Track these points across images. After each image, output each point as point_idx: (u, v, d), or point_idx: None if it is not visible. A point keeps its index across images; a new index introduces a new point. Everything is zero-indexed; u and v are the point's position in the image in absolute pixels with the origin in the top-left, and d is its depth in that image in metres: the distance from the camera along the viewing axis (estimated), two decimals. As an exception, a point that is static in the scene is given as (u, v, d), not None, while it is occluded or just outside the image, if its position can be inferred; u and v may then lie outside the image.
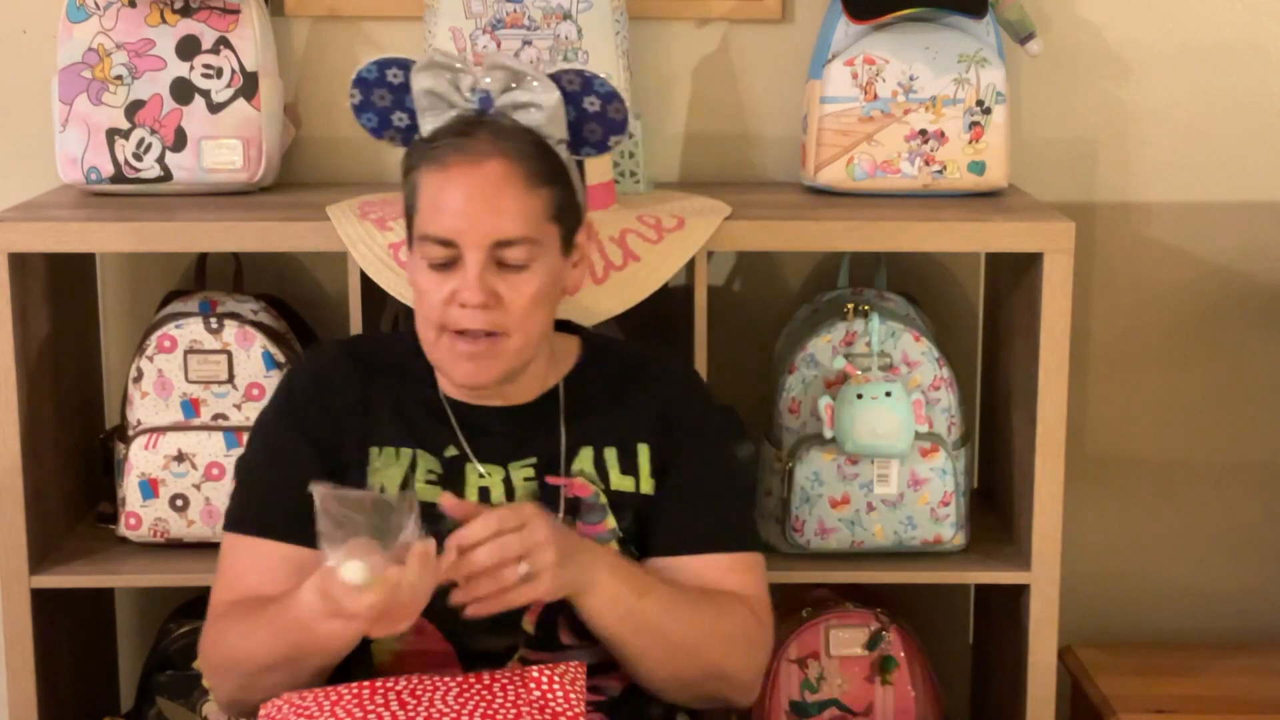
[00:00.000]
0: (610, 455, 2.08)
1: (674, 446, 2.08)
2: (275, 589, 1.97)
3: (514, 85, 2.01)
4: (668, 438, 2.08)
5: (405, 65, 2.05)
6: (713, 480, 2.09)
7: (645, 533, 2.07)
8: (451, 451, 2.07)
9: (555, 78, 2.02)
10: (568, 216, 2.02)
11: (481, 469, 2.06)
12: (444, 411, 2.08)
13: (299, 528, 1.97)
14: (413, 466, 2.06)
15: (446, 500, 1.89)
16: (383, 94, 2.08)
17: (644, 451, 2.08)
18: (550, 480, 2.05)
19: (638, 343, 2.33)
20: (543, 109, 2.00)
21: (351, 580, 1.77)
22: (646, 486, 2.07)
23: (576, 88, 2.03)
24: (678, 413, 2.10)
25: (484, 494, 2.05)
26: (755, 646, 2.06)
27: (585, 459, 2.07)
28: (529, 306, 1.97)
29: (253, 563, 2.02)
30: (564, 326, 2.17)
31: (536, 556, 1.85)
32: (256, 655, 1.95)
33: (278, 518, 2.02)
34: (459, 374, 2.01)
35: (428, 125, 2.03)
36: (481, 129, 1.98)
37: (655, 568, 2.05)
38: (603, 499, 2.05)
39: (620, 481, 2.07)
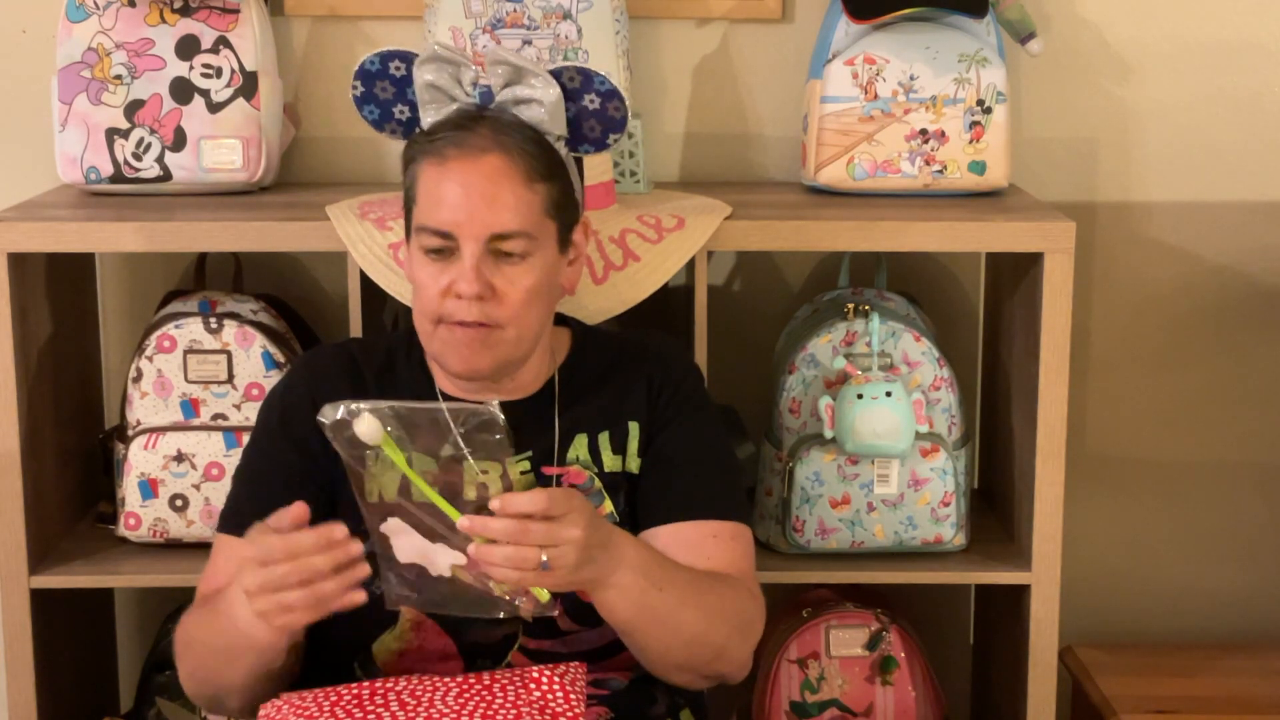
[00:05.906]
0: (603, 439, 2.08)
1: (659, 419, 2.09)
2: None
3: (515, 81, 2.02)
4: (654, 411, 2.09)
5: (408, 58, 2.06)
6: (695, 450, 2.08)
7: (633, 510, 2.07)
8: (448, 451, 2.07)
9: (556, 74, 2.02)
10: (565, 213, 2.03)
11: (478, 466, 2.06)
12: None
13: None
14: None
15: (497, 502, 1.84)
16: (385, 86, 2.08)
17: (634, 429, 2.09)
18: (546, 470, 2.06)
19: (623, 329, 2.33)
20: (543, 105, 2.01)
21: (363, 434, 1.75)
22: (633, 465, 2.08)
23: (577, 85, 2.04)
24: (663, 387, 2.10)
25: (482, 490, 2.05)
26: (753, 627, 2.06)
27: (580, 446, 2.08)
28: (524, 299, 1.98)
29: (230, 563, 2.03)
30: (555, 320, 2.18)
31: (559, 553, 1.80)
32: (201, 639, 1.96)
33: (257, 523, 2.03)
34: (454, 361, 2.01)
35: (428, 118, 2.03)
36: (481, 124, 1.99)
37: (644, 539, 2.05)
38: (598, 483, 2.06)
39: (612, 462, 2.08)
